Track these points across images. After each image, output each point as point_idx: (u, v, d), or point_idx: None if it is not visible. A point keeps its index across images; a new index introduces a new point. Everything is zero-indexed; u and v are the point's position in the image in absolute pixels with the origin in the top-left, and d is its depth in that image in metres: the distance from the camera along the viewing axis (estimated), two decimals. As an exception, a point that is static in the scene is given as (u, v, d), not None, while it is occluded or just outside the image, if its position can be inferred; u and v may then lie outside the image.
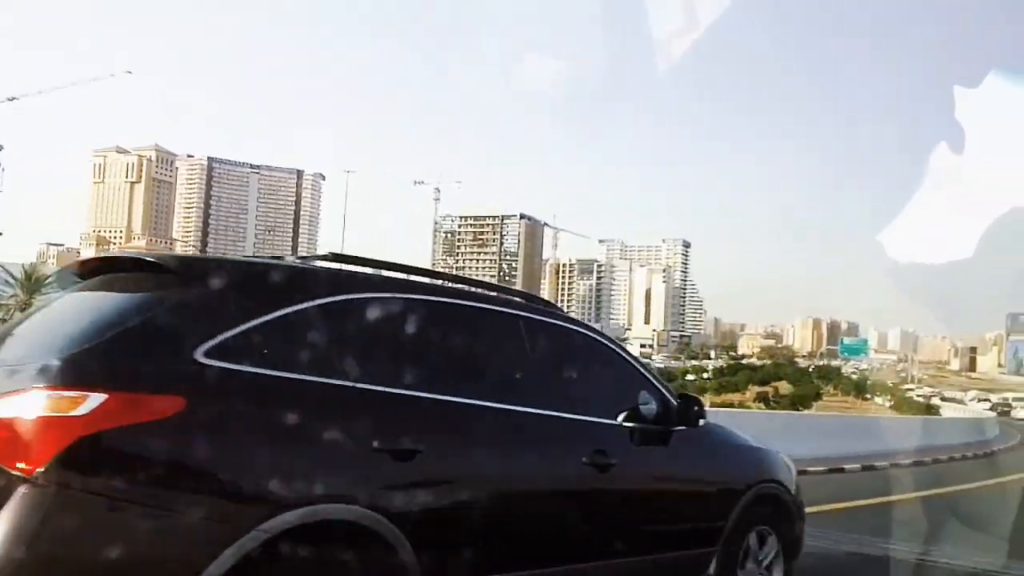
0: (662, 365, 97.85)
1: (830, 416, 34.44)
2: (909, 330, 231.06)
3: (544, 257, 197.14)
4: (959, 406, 52.56)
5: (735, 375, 74.00)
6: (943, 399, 62.81)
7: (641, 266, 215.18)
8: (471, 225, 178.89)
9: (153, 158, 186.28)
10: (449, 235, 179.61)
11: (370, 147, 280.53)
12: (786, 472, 4.80)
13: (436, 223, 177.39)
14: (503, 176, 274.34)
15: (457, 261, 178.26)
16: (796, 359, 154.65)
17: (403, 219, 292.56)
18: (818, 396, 60.88)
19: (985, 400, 57.44)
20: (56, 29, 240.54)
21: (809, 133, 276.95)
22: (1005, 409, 53.76)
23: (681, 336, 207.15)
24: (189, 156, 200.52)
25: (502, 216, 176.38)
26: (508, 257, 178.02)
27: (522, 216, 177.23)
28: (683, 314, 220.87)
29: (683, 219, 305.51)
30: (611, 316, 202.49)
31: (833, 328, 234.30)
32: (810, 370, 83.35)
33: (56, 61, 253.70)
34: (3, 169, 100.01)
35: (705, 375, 76.42)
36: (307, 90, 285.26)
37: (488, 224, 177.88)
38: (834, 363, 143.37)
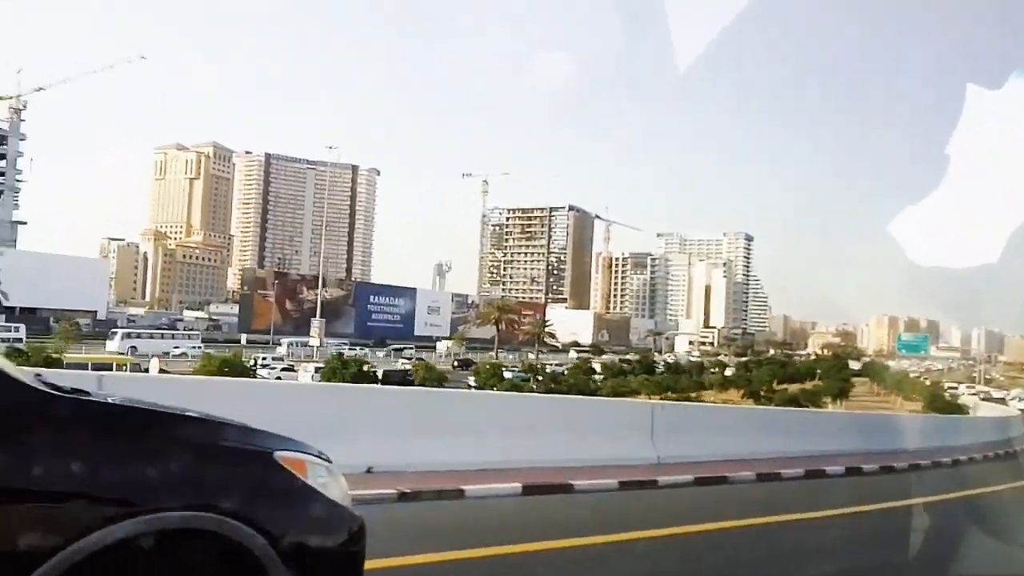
0: (694, 359, 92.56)
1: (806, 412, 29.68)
2: (994, 329, 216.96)
3: (597, 251, 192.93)
4: (997, 405, 47.12)
5: (759, 369, 68.33)
6: (984, 399, 56.81)
7: (700, 260, 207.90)
8: (519, 218, 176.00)
9: (211, 154, 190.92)
10: (497, 228, 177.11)
11: (419, 143, 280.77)
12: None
13: (484, 216, 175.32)
14: (553, 170, 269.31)
15: (505, 254, 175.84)
16: (863, 357, 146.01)
17: (452, 213, 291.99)
18: (843, 394, 55.23)
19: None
20: (105, 22, 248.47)
21: (873, 125, 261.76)
22: (1049, 409, 48.46)
23: (744, 332, 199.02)
24: (247, 152, 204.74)
25: (550, 208, 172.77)
26: (557, 251, 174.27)
27: (571, 208, 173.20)
28: (745, 311, 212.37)
29: (749, 214, 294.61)
30: (668, 312, 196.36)
31: (911, 327, 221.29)
32: (852, 367, 76.79)
33: (106, 55, 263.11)
34: (31, 159, 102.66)
35: (727, 370, 70.89)
36: (347, 87, 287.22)
37: (536, 216, 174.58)
38: (903, 363, 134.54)
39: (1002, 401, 55.78)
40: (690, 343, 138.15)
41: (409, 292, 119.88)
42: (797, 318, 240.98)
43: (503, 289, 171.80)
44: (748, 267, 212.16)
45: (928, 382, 76.54)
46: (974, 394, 61.18)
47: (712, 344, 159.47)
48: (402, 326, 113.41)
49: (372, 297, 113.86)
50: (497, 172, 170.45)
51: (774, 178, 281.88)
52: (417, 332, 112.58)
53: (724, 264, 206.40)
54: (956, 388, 68.97)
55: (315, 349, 65.83)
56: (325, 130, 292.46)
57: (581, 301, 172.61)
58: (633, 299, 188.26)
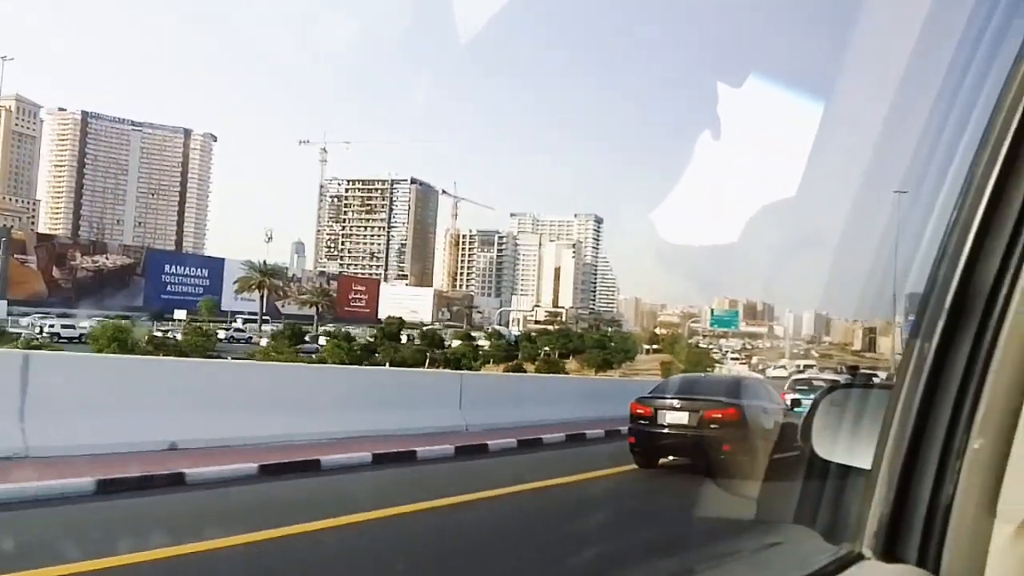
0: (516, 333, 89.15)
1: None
2: (823, 313, 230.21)
3: (445, 228, 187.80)
4: (752, 373, 46.96)
5: (539, 340, 65.58)
6: (759, 369, 57.59)
7: (551, 240, 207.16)
8: (359, 190, 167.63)
9: (13, 109, 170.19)
10: (336, 200, 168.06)
11: (252, 107, 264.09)
12: None
13: (322, 186, 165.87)
14: (403, 144, 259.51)
15: (344, 228, 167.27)
16: (695, 335, 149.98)
17: (288, 183, 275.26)
18: (606, 364, 53.02)
19: (781, 367, 54.24)
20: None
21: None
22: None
23: (591, 312, 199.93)
24: (61, 110, 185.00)
25: (392, 181, 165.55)
26: (399, 225, 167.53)
27: (414, 181, 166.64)
28: (594, 291, 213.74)
29: (601, 197, 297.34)
30: (521, 291, 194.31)
31: (749, 309, 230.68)
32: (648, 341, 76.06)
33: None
34: None
35: (500, 342, 67.42)
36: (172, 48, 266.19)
37: (377, 189, 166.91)
38: (733, 341, 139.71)
39: (762, 371, 56.48)
40: (514, 320, 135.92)
41: (216, 263, 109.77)
42: (648, 300, 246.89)
43: (341, 264, 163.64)
44: (597, 249, 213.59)
45: (708, 354, 77.25)
46: (743, 363, 61.88)
47: (536, 321, 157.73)
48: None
49: (168, 266, 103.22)
50: (337, 141, 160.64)
51: (628, 163, 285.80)
52: (226, 307, 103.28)
53: (574, 245, 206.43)
54: (737, 359, 69.89)
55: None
56: (152, 93, 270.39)
57: (423, 278, 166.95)
58: (480, 276, 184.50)
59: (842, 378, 25.17)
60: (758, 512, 6.18)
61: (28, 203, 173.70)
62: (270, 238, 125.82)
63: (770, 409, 11.58)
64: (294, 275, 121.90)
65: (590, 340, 70.05)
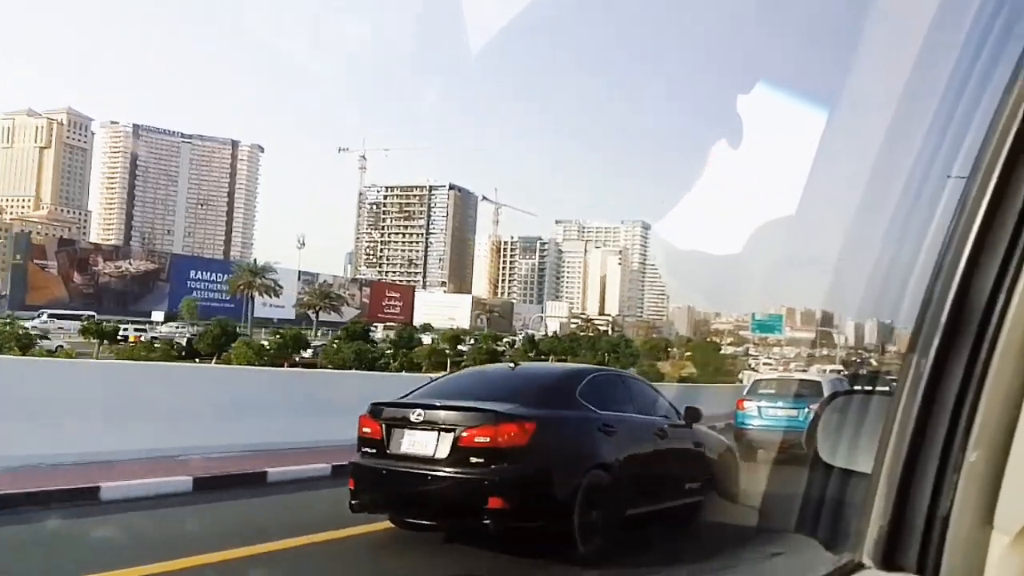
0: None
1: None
2: (887, 322, 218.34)
3: (488, 234, 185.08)
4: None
5: (537, 346, 61.70)
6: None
7: (596, 247, 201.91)
8: (397, 196, 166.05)
9: (65, 122, 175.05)
10: (374, 207, 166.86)
11: (292, 116, 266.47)
12: None
13: (361, 193, 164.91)
14: (447, 151, 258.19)
15: (383, 235, 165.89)
16: (745, 343, 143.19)
17: (328, 190, 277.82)
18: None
19: (802, 370, 49.50)
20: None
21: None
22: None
23: (639, 320, 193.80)
24: (113, 123, 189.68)
25: (430, 187, 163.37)
26: (437, 232, 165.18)
27: (452, 187, 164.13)
28: (642, 299, 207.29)
29: (654, 201, 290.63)
30: (566, 297, 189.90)
31: (807, 318, 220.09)
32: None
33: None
34: None
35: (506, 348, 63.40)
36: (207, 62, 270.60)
37: (415, 195, 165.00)
38: (786, 348, 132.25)
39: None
40: (546, 325, 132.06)
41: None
42: (701, 308, 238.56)
43: (380, 271, 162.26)
44: (645, 255, 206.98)
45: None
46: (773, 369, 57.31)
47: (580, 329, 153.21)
48: (232, 306, 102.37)
49: (193, 272, 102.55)
50: (377, 148, 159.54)
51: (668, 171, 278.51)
52: (256, 313, 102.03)
53: (620, 252, 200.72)
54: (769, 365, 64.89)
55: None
56: (199, 104, 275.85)
57: (462, 285, 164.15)
58: (521, 284, 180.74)
59: (825, 379, 19.49)
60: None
61: (80, 214, 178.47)
62: (303, 244, 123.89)
63: (624, 426, 6.53)
64: (324, 280, 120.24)
65: (604, 345, 65.71)
